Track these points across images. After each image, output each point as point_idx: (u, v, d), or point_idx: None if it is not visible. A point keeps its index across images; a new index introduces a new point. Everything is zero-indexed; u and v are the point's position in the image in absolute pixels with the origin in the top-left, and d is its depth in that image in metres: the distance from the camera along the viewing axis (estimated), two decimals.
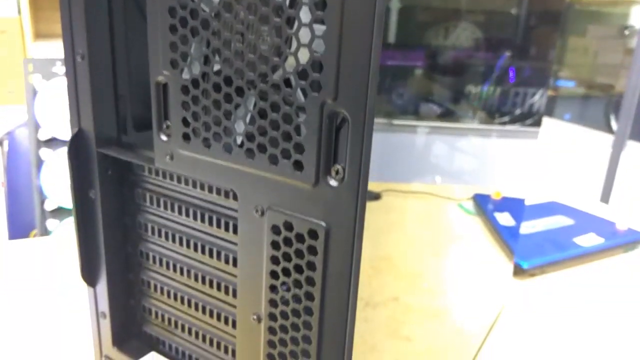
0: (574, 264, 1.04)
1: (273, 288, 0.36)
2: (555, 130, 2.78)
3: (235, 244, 0.40)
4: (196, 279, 0.43)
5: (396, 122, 0.33)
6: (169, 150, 0.37)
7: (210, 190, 0.40)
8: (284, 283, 0.36)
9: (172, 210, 0.43)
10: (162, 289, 0.45)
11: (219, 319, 0.42)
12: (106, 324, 0.46)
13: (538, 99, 0.68)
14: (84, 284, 0.46)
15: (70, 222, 1.53)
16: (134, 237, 0.46)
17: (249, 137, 0.33)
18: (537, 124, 0.72)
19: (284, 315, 0.36)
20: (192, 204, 0.42)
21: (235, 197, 0.36)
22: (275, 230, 0.35)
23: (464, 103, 0.44)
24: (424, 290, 0.45)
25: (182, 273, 0.44)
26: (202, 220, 0.41)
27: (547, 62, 0.67)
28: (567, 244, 1.08)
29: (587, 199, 1.42)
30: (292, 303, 0.35)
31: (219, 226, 0.40)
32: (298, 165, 0.32)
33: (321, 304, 0.34)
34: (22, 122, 1.56)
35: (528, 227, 1.16)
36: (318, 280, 0.33)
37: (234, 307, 0.40)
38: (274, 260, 0.36)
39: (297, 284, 0.35)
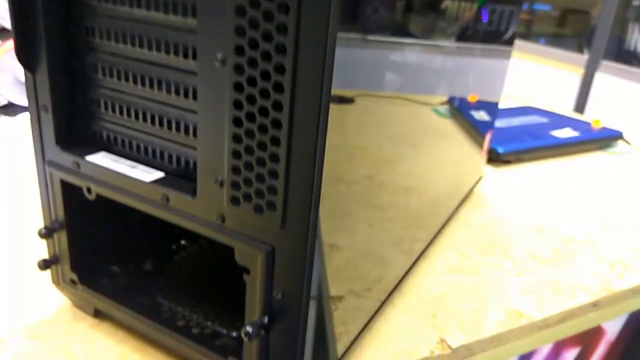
0: (550, 155, 1.02)
1: (238, 125, 0.31)
2: (530, 51, 2.75)
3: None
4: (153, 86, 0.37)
5: (371, 37, 0.31)
6: None
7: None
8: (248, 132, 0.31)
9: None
10: (117, 72, 0.38)
11: (178, 128, 0.36)
12: (48, 120, 0.40)
13: (512, 17, 0.69)
14: None
15: None
16: (78, 16, 0.38)
17: None
18: (510, 43, 0.74)
19: (249, 167, 0.31)
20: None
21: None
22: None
23: (439, 20, 0.44)
24: (399, 170, 0.45)
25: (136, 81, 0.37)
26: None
27: None
28: (543, 135, 1.05)
29: (561, 107, 1.40)
30: (257, 151, 0.30)
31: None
32: None
33: (288, 147, 0.29)
34: None
35: (504, 123, 1.13)
36: (284, 121, 0.29)
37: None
38: (237, 104, 0.31)
39: (262, 128, 0.30)
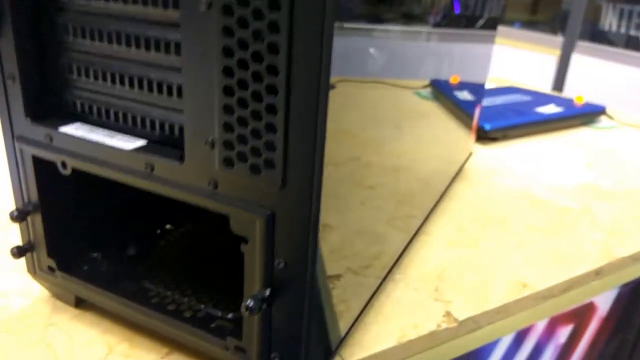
0: (536, 131, 1.01)
1: (229, 75, 0.28)
2: (505, 36, 2.76)
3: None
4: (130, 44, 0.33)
5: (348, 25, 0.28)
6: None
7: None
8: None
9: None
10: (91, 32, 0.35)
11: (161, 89, 0.33)
12: (16, 90, 0.36)
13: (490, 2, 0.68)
14: None
15: None
16: None
17: None
18: (493, 27, 0.73)
19: (242, 122, 0.28)
20: None
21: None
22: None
23: (418, 6, 0.43)
24: (385, 151, 0.43)
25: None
26: None
27: None
28: (528, 112, 1.04)
29: (540, 88, 1.40)
30: (251, 103, 0.28)
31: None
32: None
33: (286, 95, 0.26)
34: None
35: (488, 102, 1.12)
36: (282, 66, 0.26)
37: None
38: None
39: (257, 76, 0.27)
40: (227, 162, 0.30)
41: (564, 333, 0.64)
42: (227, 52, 0.27)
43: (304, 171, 0.28)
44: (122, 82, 0.34)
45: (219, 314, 0.40)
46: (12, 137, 0.38)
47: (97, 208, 0.45)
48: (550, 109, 1.07)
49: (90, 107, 0.37)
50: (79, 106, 0.37)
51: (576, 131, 1.05)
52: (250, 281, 0.32)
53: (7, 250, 0.41)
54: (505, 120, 0.98)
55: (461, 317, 0.46)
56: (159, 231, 0.52)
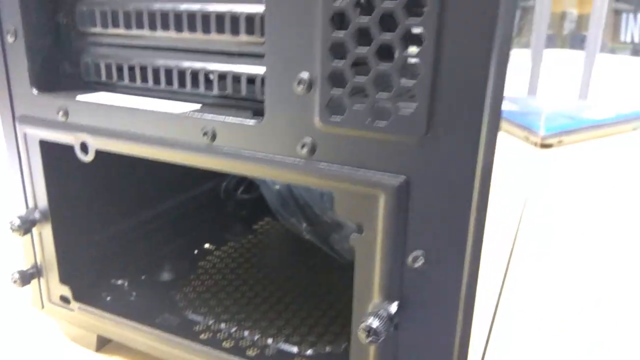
0: (591, 136, 0.91)
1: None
2: None
3: None
4: None
5: None
6: None
7: None
8: None
9: None
10: None
11: (221, 25, 0.24)
12: (18, 50, 0.26)
13: None
14: None
15: None
16: None
17: None
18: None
19: (361, 36, 0.18)
20: None
21: None
22: None
23: None
24: None
25: None
26: None
27: None
28: (578, 117, 0.96)
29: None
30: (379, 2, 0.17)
31: None
32: None
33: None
34: None
35: (527, 109, 1.03)
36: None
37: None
38: None
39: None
40: (334, 108, 0.20)
41: None
42: None
43: (469, 104, 0.18)
44: (165, 26, 0.25)
45: (295, 350, 0.29)
46: (13, 119, 0.28)
47: (123, 221, 0.35)
48: (601, 112, 0.98)
49: (120, 69, 0.27)
50: (103, 70, 0.27)
51: (630, 134, 0.96)
52: (364, 292, 0.22)
53: (4, 276, 0.31)
54: (557, 124, 0.89)
55: None
56: (196, 251, 0.42)
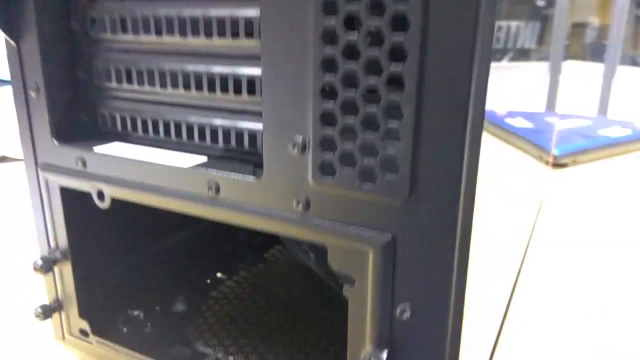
0: (606, 155, 0.91)
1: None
2: None
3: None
4: (185, 33, 0.26)
5: None
6: None
7: None
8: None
9: None
10: (133, 24, 0.27)
11: (225, 85, 0.25)
12: (40, 105, 0.29)
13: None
14: None
15: None
16: None
17: None
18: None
19: (349, 108, 0.20)
20: None
21: None
22: None
23: None
24: None
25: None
26: None
27: None
28: (594, 135, 0.95)
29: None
30: (363, 77, 0.19)
31: None
32: None
33: (420, 53, 0.18)
34: None
35: (542, 127, 1.03)
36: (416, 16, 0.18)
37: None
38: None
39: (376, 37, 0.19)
40: (326, 169, 0.21)
41: None
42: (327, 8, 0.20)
43: (445, 168, 0.19)
44: (174, 84, 0.27)
45: None
46: (36, 165, 0.30)
47: (138, 254, 0.37)
48: (616, 131, 0.98)
49: (134, 121, 0.29)
50: (118, 121, 0.29)
51: None
52: (356, 339, 0.23)
53: (28, 312, 0.33)
54: (572, 144, 0.89)
55: None
56: (208, 281, 0.43)
